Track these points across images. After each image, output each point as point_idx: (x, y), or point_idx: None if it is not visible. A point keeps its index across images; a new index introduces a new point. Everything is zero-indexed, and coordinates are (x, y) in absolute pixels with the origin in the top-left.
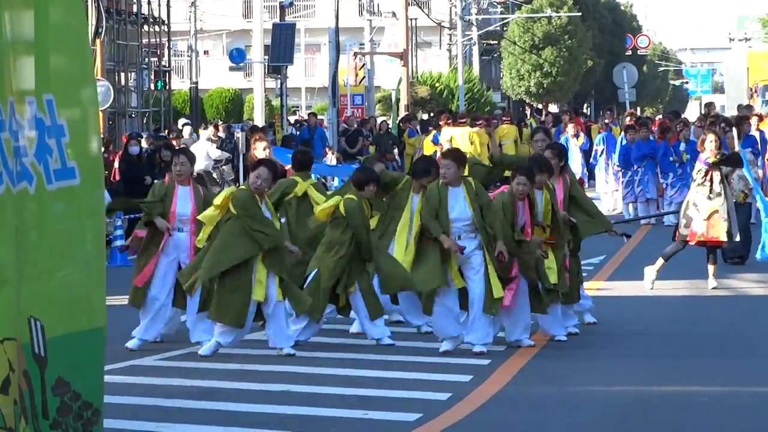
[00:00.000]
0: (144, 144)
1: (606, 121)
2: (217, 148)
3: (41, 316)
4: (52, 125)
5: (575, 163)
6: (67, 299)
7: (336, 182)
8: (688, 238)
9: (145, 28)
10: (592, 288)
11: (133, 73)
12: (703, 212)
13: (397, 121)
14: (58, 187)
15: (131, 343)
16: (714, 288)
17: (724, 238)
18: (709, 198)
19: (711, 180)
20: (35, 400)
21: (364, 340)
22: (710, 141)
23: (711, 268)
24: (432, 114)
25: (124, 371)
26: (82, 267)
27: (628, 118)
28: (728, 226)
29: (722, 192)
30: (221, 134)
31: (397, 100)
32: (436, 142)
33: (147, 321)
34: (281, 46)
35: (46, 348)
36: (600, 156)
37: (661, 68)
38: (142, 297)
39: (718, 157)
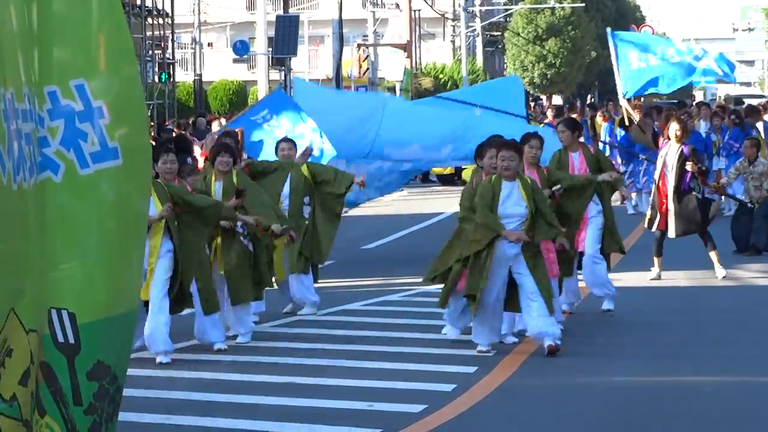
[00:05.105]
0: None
1: (610, 111)
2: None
3: (71, 304)
4: (86, 109)
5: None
6: (106, 281)
7: None
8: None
9: (149, 20)
10: None
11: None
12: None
13: None
14: (97, 169)
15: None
16: (724, 277)
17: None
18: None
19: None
20: (63, 388)
21: (369, 331)
22: (673, 129)
23: (713, 254)
24: None
25: None
26: (123, 247)
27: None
28: (699, 215)
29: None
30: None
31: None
32: None
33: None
34: (285, 38)
35: (78, 334)
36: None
37: None
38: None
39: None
